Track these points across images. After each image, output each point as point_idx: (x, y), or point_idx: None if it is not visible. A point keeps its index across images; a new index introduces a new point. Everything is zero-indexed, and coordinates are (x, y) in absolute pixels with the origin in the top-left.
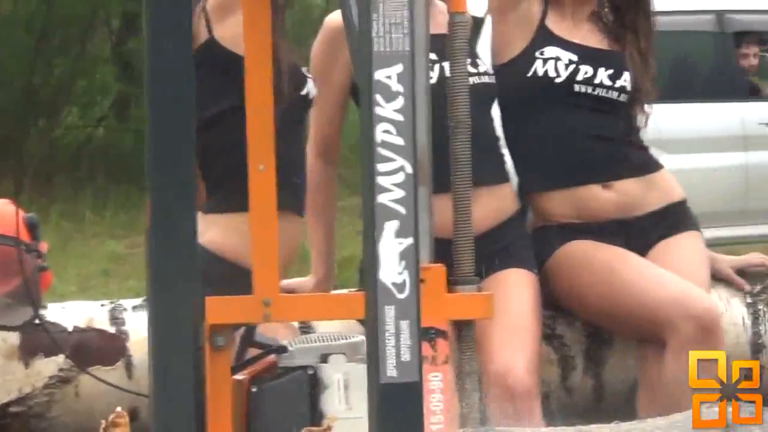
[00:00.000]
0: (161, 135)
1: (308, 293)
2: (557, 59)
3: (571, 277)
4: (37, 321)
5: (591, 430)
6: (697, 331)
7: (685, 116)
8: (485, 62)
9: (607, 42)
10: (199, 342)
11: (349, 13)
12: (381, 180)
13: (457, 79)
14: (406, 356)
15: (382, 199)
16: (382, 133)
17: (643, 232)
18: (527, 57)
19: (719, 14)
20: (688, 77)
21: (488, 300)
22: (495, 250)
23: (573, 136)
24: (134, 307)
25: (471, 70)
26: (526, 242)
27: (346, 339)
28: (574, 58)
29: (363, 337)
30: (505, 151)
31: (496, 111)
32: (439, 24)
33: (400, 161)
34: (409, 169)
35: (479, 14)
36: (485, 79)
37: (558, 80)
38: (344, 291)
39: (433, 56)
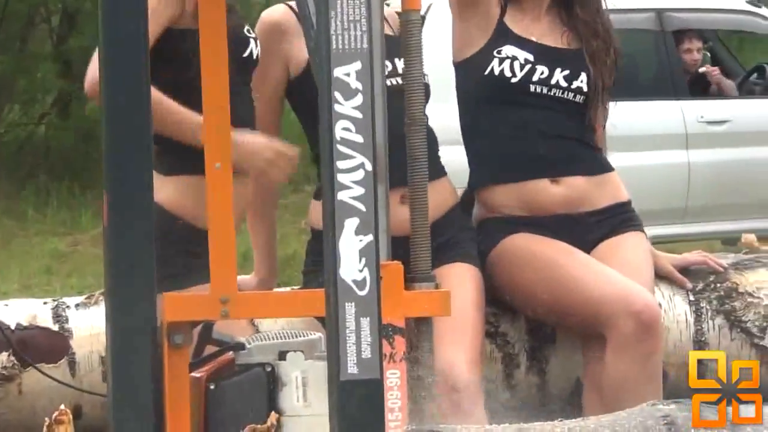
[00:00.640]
0: (117, 131)
1: (254, 291)
2: (513, 59)
3: (514, 270)
4: None
5: (534, 428)
6: (637, 328)
7: (626, 114)
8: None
9: (566, 39)
10: (157, 339)
11: (307, 11)
12: (341, 177)
13: (412, 78)
14: (366, 353)
15: (342, 196)
16: (341, 130)
17: (588, 229)
18: (485, 55)
19: (659, 12)
20: (629, 75)
21: (446, 297)
22: (437, 245)
23: (525, 132)
24: (77, 305)
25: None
26: (470, 237)
27: (305, 336)
28: (531, 57)
29: (321, 335)
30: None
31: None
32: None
33: (359, 158)
34: (368, 167)
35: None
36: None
37: (513, 80)
38: (287, 289)
39: None
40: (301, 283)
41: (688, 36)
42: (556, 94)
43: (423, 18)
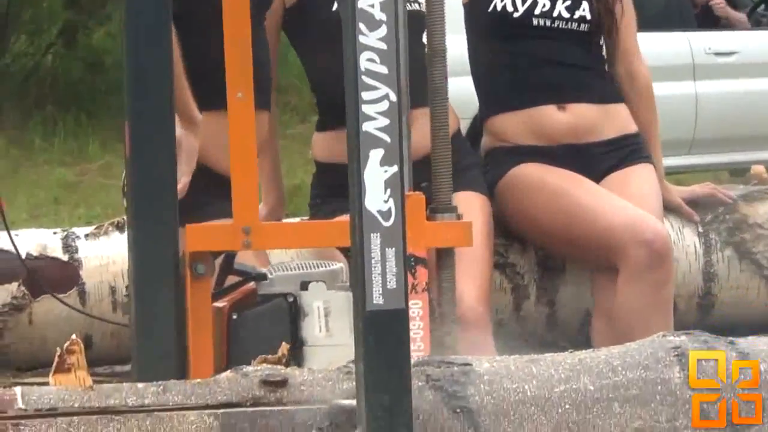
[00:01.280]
0: (140, 64)
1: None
2: None
3: (523, 199)
4: None
5: (545, 359)
6: (649, 257)
7: None
8: None
9: None
10: (180, 269)
11: None
12: (366, 108)
13: (434, 9)
14: (392, 284)
15: (367, 127)
16: (366, 61)
17: (596, 159)
18: None
19: None
20: (636, 7)
21: (468, 228)
22: None
23: (531, 62)
24: (87, 235)
25: None
26: (475, 162)
27: (326, 266)
28: None
29: (342, 265)
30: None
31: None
32: None
33: (384, 89)
34: (393, 97)
35: None
36: (415, 6)
37: (516, 15)
38: (296, 219)
39: None
40: (308, 214)
41: None
42: (560, 26)
43: None
